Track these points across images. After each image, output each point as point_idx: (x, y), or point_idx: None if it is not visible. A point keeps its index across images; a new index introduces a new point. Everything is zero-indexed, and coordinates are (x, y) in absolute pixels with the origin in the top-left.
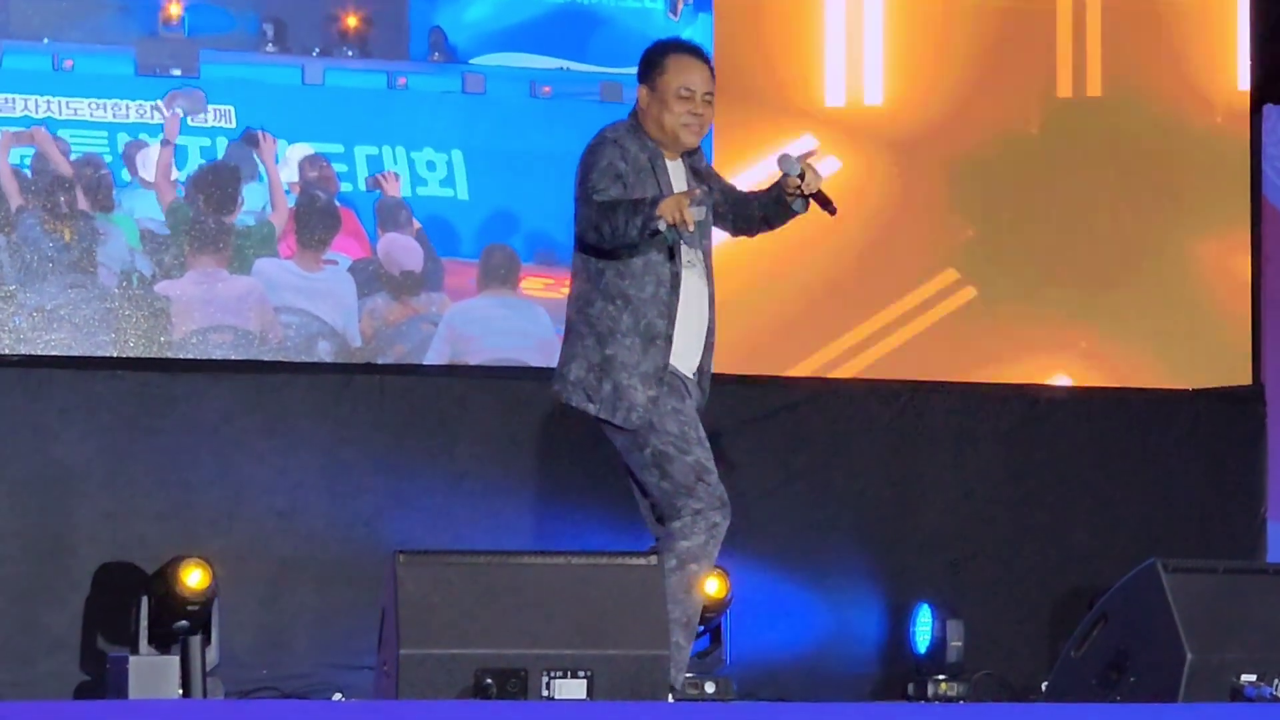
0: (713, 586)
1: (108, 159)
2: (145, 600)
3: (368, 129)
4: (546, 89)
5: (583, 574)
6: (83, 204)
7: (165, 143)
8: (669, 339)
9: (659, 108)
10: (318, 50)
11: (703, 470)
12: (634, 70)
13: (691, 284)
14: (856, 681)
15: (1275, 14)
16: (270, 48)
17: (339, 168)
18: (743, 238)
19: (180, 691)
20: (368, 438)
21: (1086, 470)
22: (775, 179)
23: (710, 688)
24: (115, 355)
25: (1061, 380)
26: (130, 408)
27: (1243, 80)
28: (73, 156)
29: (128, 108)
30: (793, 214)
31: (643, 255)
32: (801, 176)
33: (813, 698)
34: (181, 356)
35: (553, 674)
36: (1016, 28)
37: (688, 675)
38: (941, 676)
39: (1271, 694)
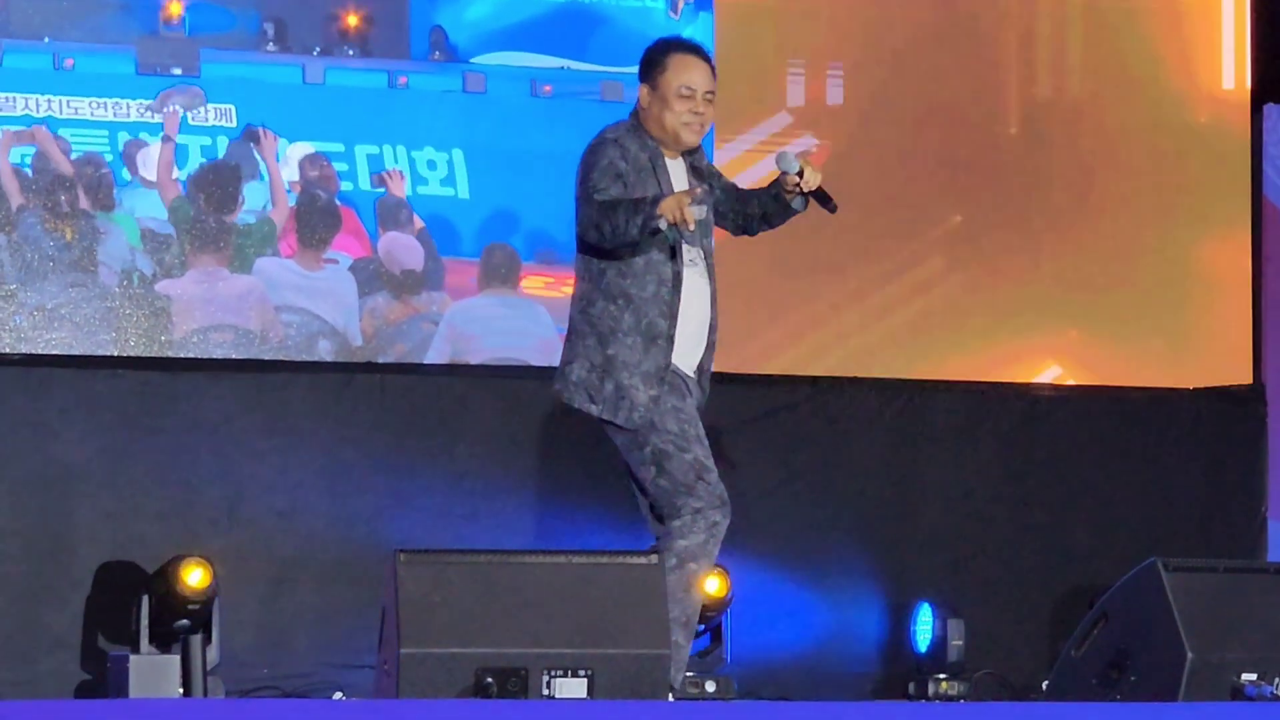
0: (713, 585)
1: (108, 158)
2: (146, 599)
3: (368, 128)
4: (547, 88)
5: (583, 573)
6: (83, 203)
7: (166, 139)
8: (671, 338)
9: (660, 106)
10: (318, 49)
11: (702, 469)
12: (635, 69)
13: (693, 283)
14: (857, 680)
15: (1275, 13)
16: (271, 47)
17: (339, 167)
18: (744, 236)
19: (181, 691)
20: (368, 437)
21: (1087, 469)
22: (775, 177)
23: (711, 687)
24: (116, 354)
25: (1062, 380)
26: (131, 407)
27: (1226, 79)
28: (73, 155)
29: (128, 107)
30: (792, 212)
31: (644, 255)
32: (800, 174)
33: (813, 697)
34: (182, 356)
35: (553, 673)
36: (1006, 26)
37: (688, 674)
38: (942, 675)
39: (1272, 693)
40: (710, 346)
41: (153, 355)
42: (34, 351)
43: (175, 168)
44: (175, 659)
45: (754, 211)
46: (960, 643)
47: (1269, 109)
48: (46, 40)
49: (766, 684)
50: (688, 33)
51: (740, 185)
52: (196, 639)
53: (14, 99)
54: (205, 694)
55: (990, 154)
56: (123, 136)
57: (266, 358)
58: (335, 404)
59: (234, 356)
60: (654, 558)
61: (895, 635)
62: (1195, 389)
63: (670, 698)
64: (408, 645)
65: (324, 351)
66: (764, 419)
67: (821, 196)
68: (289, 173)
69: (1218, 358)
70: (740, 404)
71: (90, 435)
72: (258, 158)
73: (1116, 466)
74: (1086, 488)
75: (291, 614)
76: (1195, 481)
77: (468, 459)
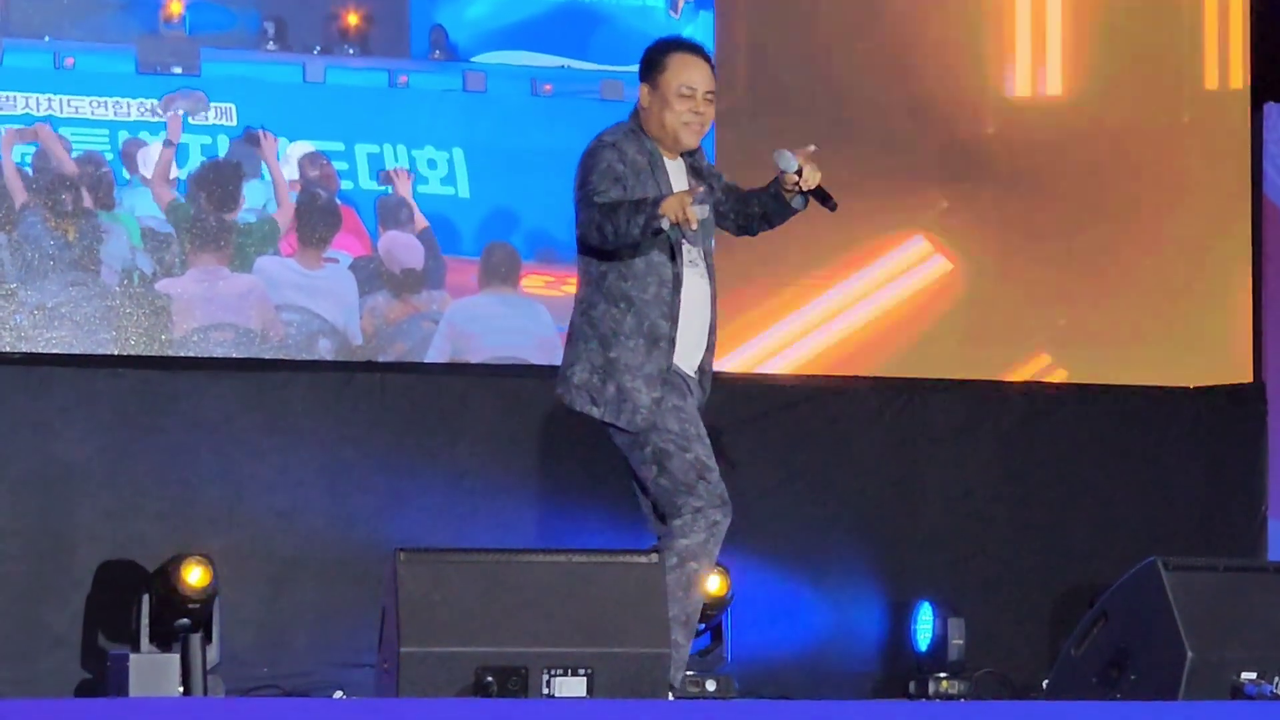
0: (714, 584)
1: (109, 157)
2: (146, 598)
3: (369, 127)
4: (547, 87)
5: (583, 572)
6: (86, 202)
7: (168, 144)
8: (672, 340)
9: (660, 106)
10: (319, 48)
11: (703, 468)
12: (635, 68)
13: (693, 284)
14: (857, 679)
15: (1274, 12)
16: (271, 46)
17: (339, 165)
18: (745, 237)
19: (181, 689)
20: (368, 436)
21: (1087, 468)
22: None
23: (711, 686)
24: (116, 353)
25: (1062, 379)
26: (131, 406)
27: (1226, 78)
28: (74, 154)
29: (129, 106)
30: (793, 211)
31: (644, 256)
32: (799, 172)
33: (814, 696)
34: (182, 354)
35: (553, 672)
36: (1008, 24)
37: (688, 673)
38: (942, 674)
39: (1272, 692)
40: (710, 347)
41: (153, 354)
42: (34, 350)
43: (175, 166)
44: (175, 658)
45: (754, 211)
46: (960, 642)
47: (1269, 108)
48: (47, 39)
49: (767, 683)
50: (688, 31)
51: (741, 186)
52: (196, 638)
53: (14, 98)
54: (205, 693)
55: (991, 153)
56: (123, 135)
57: (267, 357)
58: (335, 403)
59: (234, 355)
60: (654, 557)
61: (895, 634)
62: (1195, 388)
63: (670, 696)
64: (408, 644)
65: (324, 350)
66: (764, 418)
67: (821, 195)
68: (289, 171)
69: (1218, 357)
70: (740, 404)
71: (90, 434)
72: (260, 160)
73: (1116, 465)
74: (1086, 487)
75: (291, 613)
76: (1195, 480)
77: (468, 458)
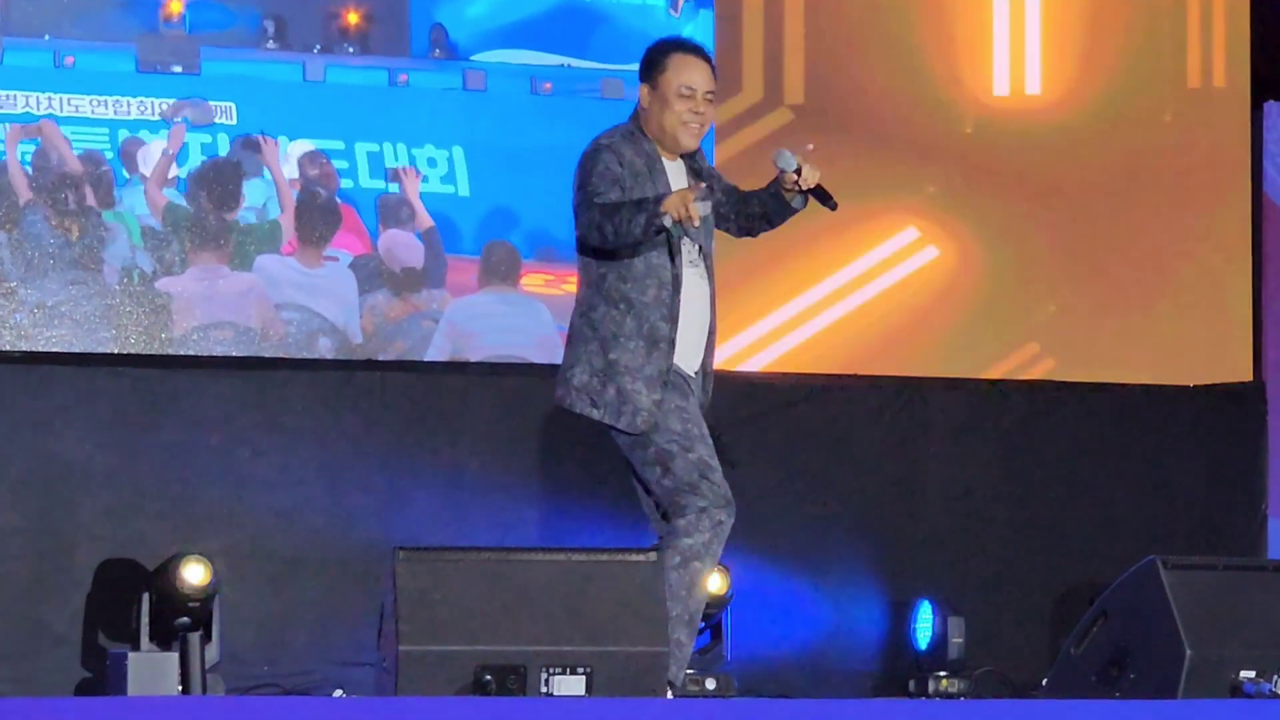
0: (714, 583)
1: (109, 156)
2: (146, 597)
3: (369, 126)
4: (547, 86)
5: (581, 570)
6: (88, 200)
7: (166, 154)
8: (672, 342)
9: (660, 106)
10: (319, 47)
11: (706, 468)
12: (635, 67)
13: (693, 285)
14: (857, 678)
15: (1274, 11)
16: (271, 45)
17: (339, 164)
18: (745, 238)
19: (180, 688)
20: (368, 434)
21: (1087, 467)
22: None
23: (711, 684)
24: (116, 352)
25: (1062, 378)
26: (131, 404)
27: (1226, 76)
28: (74, 153)
29: (129, 104)
30: (793, 211)
31: (644, 258)
32: (799, 172)
33: (814, 694)
34: (182, 353)
35: (552, 671)
36: (1010, 22)
37: (689, 672)
38: (942, 673)
39: (1271, 690)
40: (710, 348)
41: (153, 353)
42: (34, 349)
43: (175, 166)
44: (175, 657)
45: (755, 211)
46: (960, 640)
47: (1269, 106)
48: (47, 38)
49: (767, 682)
50: (688, 30)
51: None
52: (196, 637)
53: (14, 96)
54: (205, 692)
55: (991, 153)
56: (123, 134)
57: (267, 355)
58: (335, 402)
59: (234, 354)
60: (652, 555)
61: (895, 633)
62: (1195, 387)
63: (670, 695)
64: (407, 643)
65: (324, 349)
66: (764, 417)
67: (821, 194)
68: (289, 170)
69: (1218, 355)
70: (740, 404)
71: (91, 433)
72: (261, 163)
73: (1116, 464)
74: (1086, 486)
75: (291, 612)
76: (1195, 479)
77: (468, 456)
